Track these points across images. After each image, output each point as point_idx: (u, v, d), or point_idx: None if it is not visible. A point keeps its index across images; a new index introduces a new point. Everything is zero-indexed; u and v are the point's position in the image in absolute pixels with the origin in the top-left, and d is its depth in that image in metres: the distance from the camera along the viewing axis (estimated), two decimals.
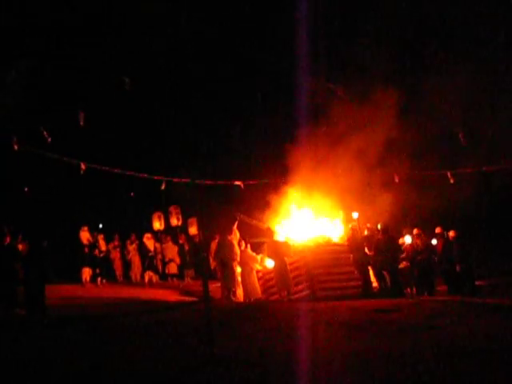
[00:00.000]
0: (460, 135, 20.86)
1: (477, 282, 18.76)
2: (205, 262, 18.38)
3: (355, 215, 19.55)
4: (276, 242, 17.76)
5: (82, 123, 19.05)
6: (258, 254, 18.86)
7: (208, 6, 23.49)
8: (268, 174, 20.99)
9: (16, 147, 18.04)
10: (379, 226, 18.60)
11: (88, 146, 22.23)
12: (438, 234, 19.16)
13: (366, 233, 19.40)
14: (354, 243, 18.63)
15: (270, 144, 21.33)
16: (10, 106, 19.12)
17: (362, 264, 18.25)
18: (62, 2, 22.60)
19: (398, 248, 18.51)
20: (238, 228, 18.85)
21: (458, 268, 17.95)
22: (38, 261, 15.08)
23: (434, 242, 19.42)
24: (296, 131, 20.34)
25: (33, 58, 20.13)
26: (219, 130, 27.18)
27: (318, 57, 20.95)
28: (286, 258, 17.40)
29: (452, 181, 21.07)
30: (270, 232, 18.00)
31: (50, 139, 18.65)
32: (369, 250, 18.54)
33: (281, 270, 17.25)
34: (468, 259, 18.20)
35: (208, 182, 21.54)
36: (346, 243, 18.92)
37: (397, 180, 21.34)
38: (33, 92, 20.42)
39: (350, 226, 19.18)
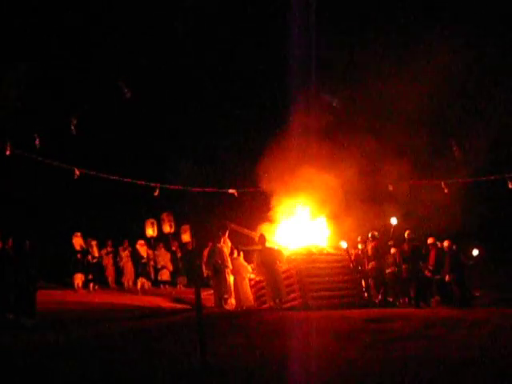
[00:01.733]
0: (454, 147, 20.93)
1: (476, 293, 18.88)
2: (197, 269, 18.40)
3: (394, 221, 19.57)
4: (268, 249, 17.73)
5: (75, 129, 19.02)
6: (250, 262, 18.83)
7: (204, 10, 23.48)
8: (261, 181, 20.91)
9: (8, 152, 18.03)
10: (406, 235, 18.57)
11: (82, 152, 22.22)
12: (430, 244, 19.16)
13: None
14: (378, 252, 18.76)
15: (262, 151, 21.32)
16: (6, 109, 19.10)
17: (381, 273, 18.43)
18: (59, 6, 22.62)
19: (423, 258, 18.48)
20: (230, 236, 18.84)
21: (447, 278, 18.02)
22: (23, 263, 15.03)
23: (476, 252, 19.42)
24: (291, 139, 20.36)
25: (29, 62, 20.13)
26: (213, 138, 27.18)
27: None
28: (278, 265, 17.38)
29: (446, 191, 21.15)
30: (263, 239, 17.94)
31: (39, 144, 18.60)
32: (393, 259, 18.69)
33: (273, 277, 17.22)
34: (460, 270, 18.26)
35: (201, 190, 21.54)
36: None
37: (391, 189, 21.40)
38: (28, 96, 20.40)
39: (370, 234, 19.18)
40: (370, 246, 18.94)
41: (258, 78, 24.30)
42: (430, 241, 19.14)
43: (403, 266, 18.32)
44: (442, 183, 21.24)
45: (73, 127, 18.78)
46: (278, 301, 17.05)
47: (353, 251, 19.48)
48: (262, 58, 23.95)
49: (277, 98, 21.64)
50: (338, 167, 19.42)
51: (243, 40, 24.66)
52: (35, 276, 15.30)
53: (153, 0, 23.42)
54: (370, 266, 18.75)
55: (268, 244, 18.06)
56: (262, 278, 17.92)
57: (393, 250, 19.06)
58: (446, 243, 18.47)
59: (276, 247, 18.26)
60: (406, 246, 18.41)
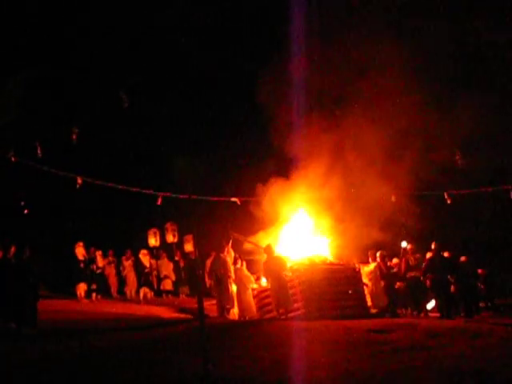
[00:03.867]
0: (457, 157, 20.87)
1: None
2: (200, 279, 18.38)
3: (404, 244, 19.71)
4: (274, 258, 17.68)
5: (76, 138, 19.05)
6: (253, 271, 18.80)
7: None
8: (264, 190, 20.88)
9: (13, 160, 18.07)
10: (433, 246, 18.44)
11: (84, 161, 22.27)
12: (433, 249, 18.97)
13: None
14: (420, 262, 18.82)
15: (266, 159, 21.35)
16: (8, 118, 19.15)
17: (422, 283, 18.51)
18: (59, 16, 22.74)
19: (450, 267, 18.33)
20: (233, 246, 18.83)
21: (452, 288, 17.96)
22: (24, 271, 15.03)
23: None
24: (292, 147, 20.37)
25: (31, 70, 20.20)
26: (215, 146, 27.23)
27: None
28: (284, 274, 17.33)
29: (449, 201, 21.10)
30: (269, 249, 17.87)
31: (41, 154, 18.63)
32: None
33: (279, 286, 17.16)
34: (465, 280, 18.22)
35: (205, 198, 21.52)
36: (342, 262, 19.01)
37: (393, 199, 21.34)
38: (30, 105, 20.46)
39: (406, 245, 19.37)
40: (412, 257, 18.96)
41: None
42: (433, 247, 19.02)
43: (433, 277, 18.24)
44: (445, 194, 21.21)
45: (74, 136, 18.80)
46: (281, 311, 17.03)
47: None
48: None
49: (279, 101, 21.60)
50: (340, 177, 19.44)
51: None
52: (36, 285, 15.28)
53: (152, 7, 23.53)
54: (411, 274, 18.72)
55: (274, 254, 18.01)
56: (268, 287, 17.91)
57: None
58: (446, 254, 18.42)
59: (281, 256, 18.22)
60: (433, 257, 18.26)
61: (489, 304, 20.57)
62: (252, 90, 21.18)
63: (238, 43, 24.83)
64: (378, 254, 19.35)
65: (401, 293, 19.02)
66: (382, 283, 18.83)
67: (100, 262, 22.09)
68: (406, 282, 18.77)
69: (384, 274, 18.93)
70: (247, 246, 19.74)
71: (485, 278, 20.61)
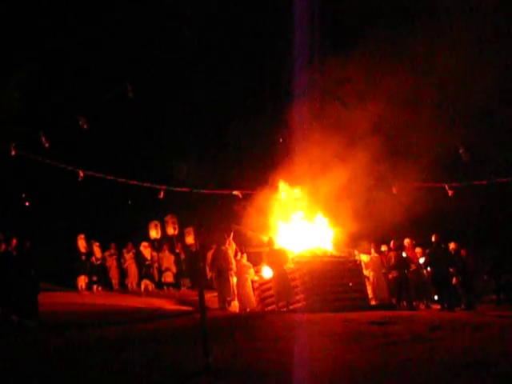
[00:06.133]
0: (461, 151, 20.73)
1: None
2: (201, 271, 18.38)
3: None
4: (275, 251, 17.68)
5: (82, 128, 19.04)
6: (254, 263, 18.78)
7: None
8: (264, 183, 20.88)
9: (14, 153, 18.07)
10: (433, 238, 18.38)
11: (86, 153, 22.26)
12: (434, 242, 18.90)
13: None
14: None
15: (265, 152, 21.29)
16: (10, 111, 19.14)
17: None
18: (62, 7, 22.68)
19: (451, 259, 18.30)
20: (235, 238, 18.82)
21: (454, 280, 17.94)
22: (25, 264, 15.04)
23: None
24: (293, 138, 20.34)
25: (33, 63, 20.18)
26: (216, 138, 27.21)
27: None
28: (285, 266, 17.34)
29: (450, 193, 21.06)
30: (271, 242, 17.89)
31: (47, 145, 18.62)
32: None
33: (281, 278, 17.16)
34: (467, 272, 18.21)
35: (206, 192, 21.53)
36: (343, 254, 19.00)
37: (395, 191, 21.31)
38: (32, 98, 20.44)
39: (406, 240, 19.72)
40: (416, 250, 19.36)
41: (260, 72, 24.23)
42: (433, 239, 18.98)
43: (429, 269, 18.30)
44: (446, 186, 21.16)
45: (81, 123, 18.79)
46: (281, 304, 17.03)
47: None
48: (262, 52, 23.87)
49: (278, 93, 21.57)
50: (341, 168, 19.40)
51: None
52: (37, 277, 15.28)
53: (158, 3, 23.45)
54: (412, 268, 18.85)
55: (276, 246, 18.00)
56: (266, 280, 17.93)
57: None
58: (452, 245, 18.40)
59: (283, 248, 18.21)
60: (434, 250, 18.24)
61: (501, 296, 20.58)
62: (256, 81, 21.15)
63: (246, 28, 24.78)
64: (391, 243, 19.27)
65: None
66: (394, 273, 18.71)
67: (98, 253, 22.10)
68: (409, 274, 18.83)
69: (397, 263, 18.80)
70: (250, 236, 19.79)
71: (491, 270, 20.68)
